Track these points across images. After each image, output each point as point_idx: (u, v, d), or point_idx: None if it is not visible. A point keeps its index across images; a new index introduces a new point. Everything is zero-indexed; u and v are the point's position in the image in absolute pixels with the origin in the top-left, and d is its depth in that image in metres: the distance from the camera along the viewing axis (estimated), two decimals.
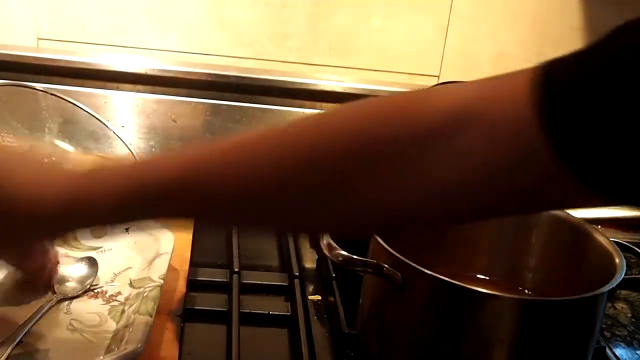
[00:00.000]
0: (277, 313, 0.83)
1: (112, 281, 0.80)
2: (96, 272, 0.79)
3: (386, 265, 0.67)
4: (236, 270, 0.87)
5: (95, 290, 0.78)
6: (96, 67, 1.14)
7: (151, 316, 0.69)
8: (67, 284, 0.77)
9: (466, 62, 1.24)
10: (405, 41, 1.22)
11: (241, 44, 1.20)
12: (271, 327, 0.82)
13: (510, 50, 1.24)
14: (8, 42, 1.14)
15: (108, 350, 0.67)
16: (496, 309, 0.65)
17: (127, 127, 1.16)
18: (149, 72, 1.15)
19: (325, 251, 0.70)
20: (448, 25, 1.22)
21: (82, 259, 0.80)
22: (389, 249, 0.68)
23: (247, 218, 0.55)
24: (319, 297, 0.87)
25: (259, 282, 0.88)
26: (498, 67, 1.25)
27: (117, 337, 0.69)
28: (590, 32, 1.24)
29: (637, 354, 0.84)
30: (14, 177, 0.57)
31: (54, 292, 0.75)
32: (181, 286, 0.82)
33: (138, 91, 1.16)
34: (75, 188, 0.56)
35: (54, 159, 0.61)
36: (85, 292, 0.77)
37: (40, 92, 1.00)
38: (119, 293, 0.77)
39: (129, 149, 1.03)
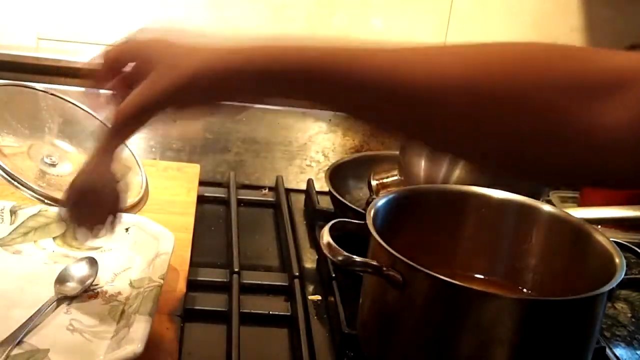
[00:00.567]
0: (277, 313, 0.83)
1: (112, 281, 0.80)
2: (96, 272, 0.79)
3: (386, 266, 0.67)
4: (236, 270, 0.87)
5: (95, 290, 0.78)
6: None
7: (151, 316, 0.69)
8: (67, 284, 0.77)
9: None
10: (405, 41, 1.22)
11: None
12: (271, 327, 0.82)
13: None
14: (8, 42, 1.14)
15: (108, 350, 0.67)
16: (496, 309, 0.65)
17: None
18: None
19: (325, 251, 0.70)
20: (448, 25, 1.22)
21: (82, 259, 0.80)
22: (389, 249, 0.68)
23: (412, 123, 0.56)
24: (319, 297, 0.87)
25: (259, 282, 0.88)
26: None
27: (117, 337, 0.69)
28: (590, 32, 1.24)
29: (637, 354, 0.84)
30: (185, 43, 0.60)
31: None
32: (181, 286, 0.82)
33: None
34: (237, 58, 0.58)
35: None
36: (85, 292, 0.77)
37: (40, 92, 1.00)
38: (119, 293, 0.77)
39: (129, 149, 1.03)
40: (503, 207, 0.81)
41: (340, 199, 0.99)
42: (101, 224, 0.67)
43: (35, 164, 0.93)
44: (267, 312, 0.82)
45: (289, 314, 0.83)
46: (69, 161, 0.97)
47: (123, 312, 0.74)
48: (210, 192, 1.11)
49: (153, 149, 1.18)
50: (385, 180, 1.00)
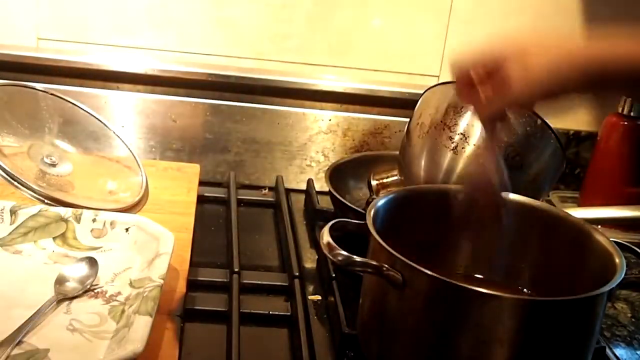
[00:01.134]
0: (277, 313, 0.83)
1: (112, 281, 0.80)
2: (96, 272, 0.79)
3: (386, 265, 0.67)
4: (236, 270, 0.87)
5: (95, 290, 0.78)
6: (96, 67, 1.14)
7: (151, 316, 0.69)
8: (67, 284, 0.77)
9: None
10: (405, 41, 1.22)
11: (241, 44, 1.20)
12: (271, 327, 0.82)
13: None
14: (8, 42, 1.14)
15: (108, 350, 0.68)
16: (496, 309, 0.65)
17: (127, 127, 1.16)
18: (149, 72, 1.15)
19: (325, 251, 0.70)
20: (448, 25, 1.22)
21: (82, 259, 0.80)
22: (389, 249, 0.68)
23: None
24: (319, 297, 0.87)
25: (259, 282, 0.88)
26: None
27: (117, 337, 0.69)
28: (590, 32, 1.24)
29: (637, 354, 0.84)
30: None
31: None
32: (181, 286, 0.82)
33: (138, 91, 1.16)
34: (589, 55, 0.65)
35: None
36: (85, 292, 0.77)
37: (40, 92, 1.00)
38: (119, 293, 0.77)
39: (129, 149, 1.04)
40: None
41: (340, 199, 0.99)
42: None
43: (35, 164, 0.94)
44: (267, 312, 0.82)
45: (289, 314, 0.83)
46: (69, 161, 0.97)
47: (123, 312, 0.74)
48: (210, 192, 1.11)
49: (153, 149, 1.18)
50: (385, 180, 1.00)
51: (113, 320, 0.73)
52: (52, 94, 1.01)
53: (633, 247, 0.81)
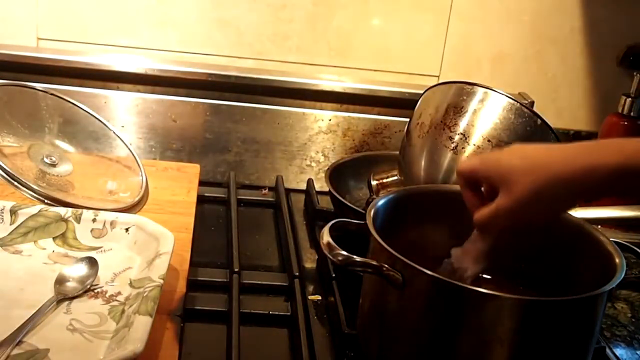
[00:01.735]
0: (277, 313, 0.83)
1: (112, 281, 0.80)
2: (96, 272, 0.79)
3: (386, 265, 0.67)
4: (236, 270, 0.87)
5: (95, 290, 0.78)
6: (96, 67, 1.14)
7: (151, 316, 0.69)
8: (67, 284, 0.77)
9: (466, 62, 1.24)
10: (405, 41, 1.22)
11: (241, 44, 1.20)
12: (271, 327, 0.82)
13: (509, 50, 1.24)
14: (8, 42, 1.14)
15: (108, 350, 0.68)
16: (496, 309, 0.65)
17: (127, 127, 1.16)
18: (149, 72, 1.15)
19: (325, 251, 0.70)
20: (448, 25, 1.22)
21: (82, 259, 0.80)
22: (389, 249, 0.68)
23: None
24: (319, 297, 0.87)
25: (259, 282, 0.88)
26: (498, 67, 1.25)
27: (117, 337, 0.69)
28: (590, 32, 1.24)
29: (637, 354, 0.84)
30: (535, 150, 0.68)
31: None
32: (181, 286, 0.82)
33: (138, 91, 1.16)
34: (623, 155, 0.63)
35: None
36: (85, 292, 0.77)
37: (40, 92, 1.00)
38: (119, 293, 0.77)
39: (129, 149, 1.04)
40: None
41: (340, 199, 0.99)
42: None
43: (35, 164, 0.94)
44: (267, 312, 0.82)
45: (289, 314, 0.83)
46: (69, 161, 0.97)
47: (123, 312, 0.74)
48: (210, 192, 1.11)
49: (153, 149, 1.18)
50: (385, 180, 1.00)
51: (113, 320, 0.73)
52: (52, 94, 1.01)
53: (633, 247, 0.81)
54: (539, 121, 0.89)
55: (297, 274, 0.88)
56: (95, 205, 0.90)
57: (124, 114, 1.16)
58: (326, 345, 0.79)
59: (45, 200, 0.88)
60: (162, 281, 0.75)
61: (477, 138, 0.88)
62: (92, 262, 0.80)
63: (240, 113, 1.18)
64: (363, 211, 0.88)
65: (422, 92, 0.98)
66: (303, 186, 1.16)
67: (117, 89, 1.16)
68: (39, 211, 0.86)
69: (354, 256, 0.69)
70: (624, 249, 0.75)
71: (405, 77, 1.24)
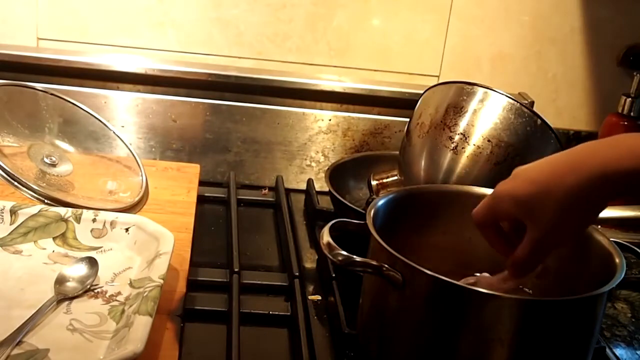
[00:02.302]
0: (277, 313, 0.83)
1: (112, 281, 0.80)
2: (96, 272, 0.79)
3: (386, 265, 0.67)
4: (236, 270, 0.87)
5: (95, 290, 0.78)
6: (96, 67, 1.14)
7: (151, 316, 0.69)
8: (67, 284, 0.77)
9: (466, 62, 1.24)
10: (405, 41, 1.22)
11: (241, 44, 1.20)
12: (271, 327, 0.82)
13: (509, 50, 1.24)
14: (8, 42, 1.14)
15: (108, 350, 0.68)
16: (496, 309, 0.65)
17: (127, 127, 1.16)
18: (149, 72, 1.15)
19: (325, 251, 0.70)
20: (448, 25, 1.22)
21: (82, 259, 0.80)
22: (389, 249, 0.68)
23: None
24: (319, 297, 0.87)
25: (259, 282, 0.88)
26: (498, 67, 1.25)
27: (117, 337, 0.69)
28: (590, 32, 1.24)
29: (637, 354, 0.84)
30: (541, 169, 0.66)
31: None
32: (181, 286, 0.82)
33: (138, 91, 1.16)
34: (600, 154, 0.63)
35: None
36: (85, 292, 0.77)
37: (40, 92, 1.00)
38: (119, 293, 0.77)
39: (129, 149, 1.04)
40: None
41: (340, 199, 0.99)
42: None
43: (35, 164, 0.94)
44: (267, 312, 0.82)
45: (289, 314, 0.83)
46: (69, 161, 0.97)
47: (123, 312, 0.74)
48: (210, 192, 1.11)
49: (153, 149, 1.18)
50: (385, 180, 1.00)
51: (113, 320, 0.73)
52: (52, 94, 1.01)
53: (633, 247, 0.82)
54: (539, 121, 0.89)
55: (297, 274, 0.88)
56: (95, 205, 0.90)
57: (124, 114, 1.16)
58: (326, 345, 0.79)
59: (45, 200, 0.88)
60: (162, 281, 0.75)
61: (477, 138, 0.88)
62: (92, 262, 0.80)
63: (240, 113, 1.18)
64: (363, 211, 0.88)
65: (422, 92, 0.98)
66: (303, 186, 1.16)
67: (117, 89, 1.16)
68: (39, 211, 0.86)
69: (354, 256, 0.69)
70: (624, 249, 0.75)
71: (405, 77, 1.24)
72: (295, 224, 1.04)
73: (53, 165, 0.95)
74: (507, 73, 1.25)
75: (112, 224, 0.87)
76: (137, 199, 0.96)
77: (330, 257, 0.69)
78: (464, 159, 0.89)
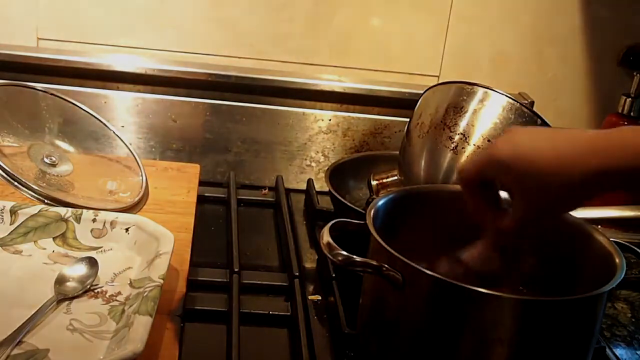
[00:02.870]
0: (277, 313, 0.83)
1: (112, 281, 0.80)
2: (96, 272, 0.79)
3: (386, 265, 0.67)
4: (236, 270, 0.87)
5: (95, 290, 0.78)
6: (96, 67, 1.14)
7: (151, 316, 0.69)
8: (67, 284, 0.77)
9: (466, 62, 1.24)
10: (405, 41, 1.22)
11: (241, 44, 1.20)
12: (271, 327, 0.82)
13: (510, 50, 1.24)
14: (8, 42, 1.14)
15: (108, 350, 0.68)
16: (496, 309, 0.65)
17: (127, 127, 1.16)
18: (149, 72, 1.15)
19: (325, 251, 0.70)
20: (448, 25, 1.22)
21: (82, 259, 0.80)
22: (389, 249, 0.68)
23: None
24: (319, 297, 0.87)
25: (259, 282, 0.88)
26: (498, 67, 1.25)
27: (117, 337, 0.69)
28: (590, 32, 1.24)
29: (637, 354, 0.84)
30: (541, 152, 0.64)
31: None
32: (181, 286, 0.82)
33: (138, 91, 1.16)
34: (602, 153, 0.62)
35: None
36: (85, 292, 0.77)
37: (40, 92, 1.00)
38: (119, 293, 0.77)
39: (129, 149, 1.04)
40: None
41: (340, 199, 0.99)
42: None
43: (35, 164, 0.93)
44: (267, 312, 0.82)
45: (289, 314, 0.83)
46: (69, 161, 0.97)
47: (123, 312, 0.74)
48: (210, 192, 1.11)
49: (153, 149, 1.18)
50: (385, 180, 1.00)
51: (113, 320, 0.73)
52: (52, 94, 1.01)
53: (633, 247, 0.82)
54: (539, 121, 0.89)
55: (297, 274, 0.88)
56: (95, 205, 0.90)
57: (124, 114, 1.16)
58: (326, 345, 0.79)
59: (45, 200, 0.88)
60: (162, 281, 0.75)
61: (477, 138, 0.88)
62: (92, 262, 0.80)
63: (240, 113, 1.18)
64: (363, 211, 0.88)
65: (422, 92, 0.98)
66: (303, 186, 1.16)
67: (117, 89, 1.16)
68: (39, 211, 0.86)
69: (354, 256, 0.69)
70: (624, 249, 0.75)
71: (405, 77, 1.24)
72: (295, 224, 1.04)
73: (53, 165, 0.95)
74: (507, 73, 1.25)
75: (112, 224, 0.87)
76: (137, 199, 0.96)
77: (330, 257, 0.69)
78: (464, 159, 0.89)
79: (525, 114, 0.89)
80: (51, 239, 0.85)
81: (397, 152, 0.99)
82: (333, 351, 0.78)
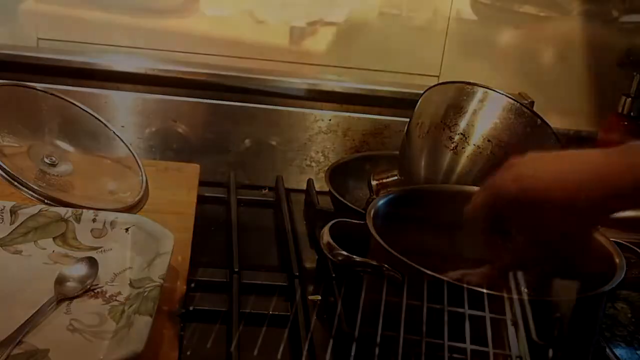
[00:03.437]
0: (277, 313, 0.83)
1: (112, 281, 0.80)
2: (96, 272, 0.79)
3: (386, 265, 0.67)
4: (236, 270, 0.87)
5: (95, 290, 0.78)
6: (96, 67, 1.14)
7: (151, 316, 0.69)
8: (67, 284, 0.77)
9: (466, 62, 1.24)
10: (405, 41, 1.22)
11: (241, 44, 1.20)
12: (271, 327, 0.82)
13: (509, 50, 1.24)
14: (8, 42, 1.14)
15: (108, 350, 0.68)
16: (496, 309, 0.65)
17: (127, 127, 1.16)
18: (149, 72, 1.15)
19: (325, 251, 0.70)
20: (448, 25, 1.22)
21: (82, 259, 0.80)
22: (389, 249, 0.68)
23: None
24: (319, 297, 0.87)
25: (259, 282, 0.88)
26: (498, 67, 1.25)
27: (117, 337, 0.69)
28: (590, 33, 1.24)
29: (637, 354, 0.84)
30: (544, 172, 0.64)
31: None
32: (181, 286, 0.82)
33: (138, 91, 1.16)
34: (607, 174, 0.62)
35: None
36: (85, 292, 0.77)
37: (40, 92, 1.00)
38: (119, 293, 0.77)
39: (129, 149, 1.03)
40: None
41: (340, 199, 0.99)
42: None
43: (35, 164, 0.93)
44: (267, 312, 0.82)
45: (289, 314, 0.83)
46: (69, 161, 0.97)
47: (123, 312, 0.74)
48: (210, 192, 1.11)
49: (153, 149, 1.18)
50: (385, 180, 1.00)
51: (113, 320, 0.73)
52: (52, 94, 1.01)
53: (633, 247, 0.81)
54: (539, 121, 0.89)
55: (297, 274, 0.88)
56: (95, 205, 0.90)
57: (124, 114, 1.16)
58: (326, 345, 0.79)
59: (45, 200, 0.88)
60: (162, 281, 0.75)
61: (477, 138, 0.88)
62: (92, 262, 0.80)
63: (240, 113, 1.18)
64: (363, 211, 0.88)
65: (422, 92, 0.98)
66: (303, 186, 1.16)
67: (117, 89, 1.16)
68: (39, 211, 0.86)
69: (354, 256, 0.69)
70: (624, 249, 0.75)
71: (405, 77, 1.24)
72: (295, 224, 1.04)
73: (53, 165, 0.95)
74: (507, 73, 1.25)
75: (112, 224, 0.87)
76: (137, 199, 0.96)
77: (330, 257, 0.69)
78: (464, 159, 0.89)
79: (525, 114, 0.89)
80: (51, 239, 0.85)
81: (397, 152, 0.99)
82: (333, 351, 0.78)
